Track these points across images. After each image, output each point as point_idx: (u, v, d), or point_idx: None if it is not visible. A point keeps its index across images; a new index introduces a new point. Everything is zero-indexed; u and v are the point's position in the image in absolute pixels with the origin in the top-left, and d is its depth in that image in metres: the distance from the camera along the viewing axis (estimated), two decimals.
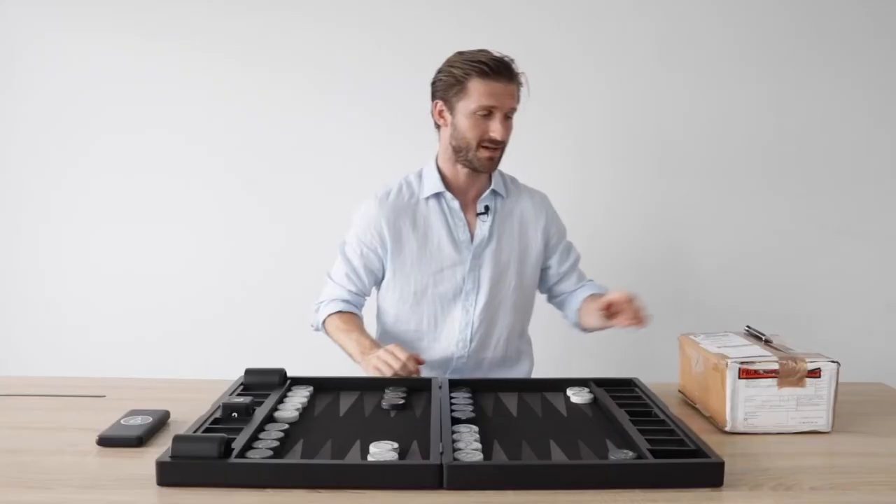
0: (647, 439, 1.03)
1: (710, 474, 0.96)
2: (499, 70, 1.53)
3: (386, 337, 1.71)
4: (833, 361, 1.20)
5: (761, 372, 1.18)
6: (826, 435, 1.19)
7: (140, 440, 1.09)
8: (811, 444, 1.14)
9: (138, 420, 1.15)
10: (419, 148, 2.32)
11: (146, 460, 1.00)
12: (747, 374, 1.18)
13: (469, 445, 1.03)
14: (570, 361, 2.21)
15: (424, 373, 1.60)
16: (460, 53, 1.57)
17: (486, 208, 1.66)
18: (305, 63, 2.30)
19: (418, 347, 1.65)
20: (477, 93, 1.53)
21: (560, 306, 1.79)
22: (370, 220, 1.64)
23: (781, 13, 2.29)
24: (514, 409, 1.26)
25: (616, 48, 2.30)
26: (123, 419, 1.15)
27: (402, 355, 1.40)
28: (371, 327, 1.75)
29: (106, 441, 1.08)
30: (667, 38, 2.30)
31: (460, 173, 1.63)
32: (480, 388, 1.36)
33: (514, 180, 1.75)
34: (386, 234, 1.63)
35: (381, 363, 1.41)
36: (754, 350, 1.24)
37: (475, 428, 1.11)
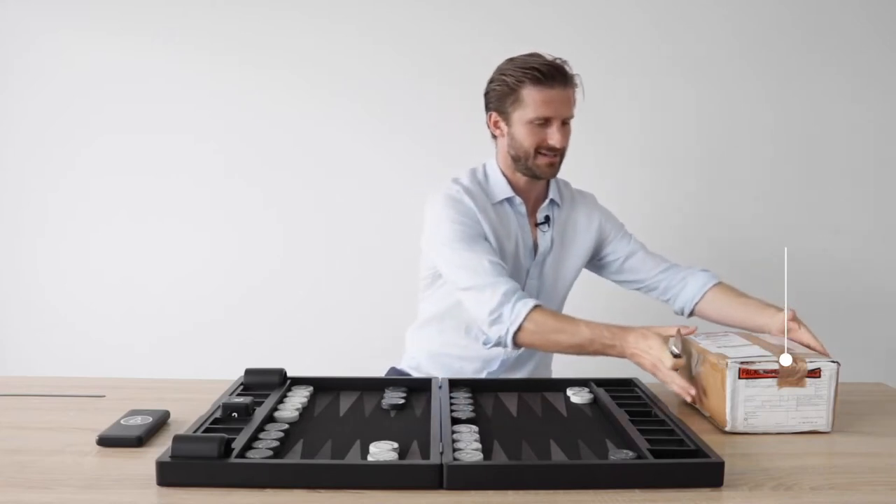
0: (647, 439, 1.03)
1: (710, 474, 0.95)
2: (553, 76, 1.48)
3: (431, 330, 1.66)
4: (833, 361, 1.19)
5: (761, 372, 1.17)
6: (826, 435, 1.18)
7: (140, 440, 1.08)
8: (811, 444, 1.14)
9: (138, 420, 1.14)
10: (423, 148, 2.34)
11: (146, 460, 1.00)
12: (747, 374, 1.17)
13: (469, 445, 1.03)
14: (570, 361, 2.21)
15: (473, 365, 1.61)
16: (511, 60, 1.53)
17: (546, 218, 1.63)
18: (307, 63, 2.30)
19: (469, 338, 1.60)
20: (533, 102, 1.49)
21: (659, 290, 1.70)
22: (461, 205, 1.52)
23: (788, 19, 2.29)
24: (514, 409, 1.26)
25: (619, 49, 2.30)
26: (123, 419, 1.15)
27: (675, 379, 1.27)
28: (408, 315, 1.72)
29: (106, 441, 1.08)
30: (669, 39, 2.30)
31: (521, 180, 1.60)
32: (480, 388, 1.36)
33: (566, 185, 1.72)
34: (481, 220, 1.53)
35: (672, 381, 1.28)
36: (754, 350, 1.24)
37: (475, 428, 1.11)
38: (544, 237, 1.63)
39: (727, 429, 1.18)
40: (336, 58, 2.29)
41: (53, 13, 2.30)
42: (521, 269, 1.61)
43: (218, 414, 1.12)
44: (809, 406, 1.18)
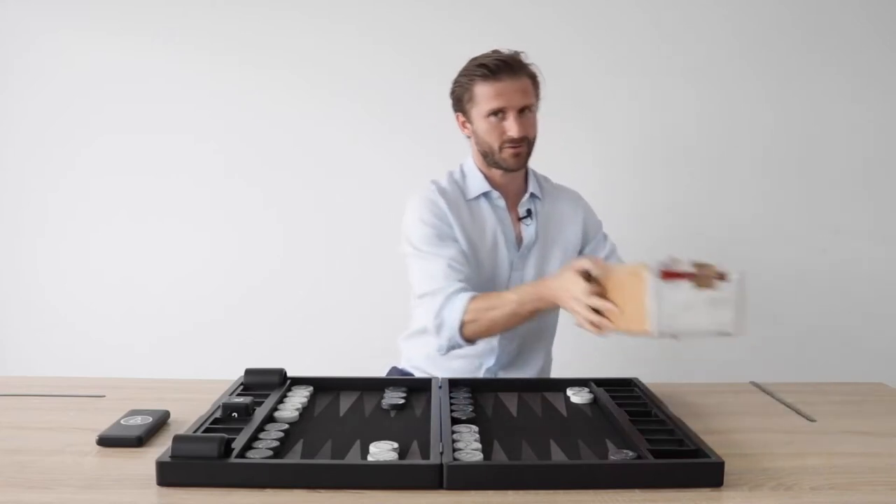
0: (647, 439, 1.03)
1: (710, 474, 0.95)
2: (500, 68, 1.51)
3: (425, 338, 1.64)
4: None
5: (681, 273, 1.17)
6: (826, 434, 1.19)
7: (140, 440, 1.08)
8: (811, 444, 1.14)
9: (138, 420, 1.14)
10: (423, 148, 2.34)
11: (146, 460, 1.00)
12: (668, 275, 1.17)
13: (469, 445, 1.03)
14: (570, 361, 2.21)
15: (464, 361, 1.60)
16: (471, 60, 1.57)
17: (528, 212, 1.65)
18: (307, 63, 2.30)
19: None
20: (484, 96, 1.52)
21: None
22: (436, 207, 1.56)
23: (787, 19, 2.29)
24: (514, 409, 1.26)
25: (619, 48, 2.30)
26: (123, 419, 1.15)
27: (596, 302, 1.25)
28: (408, 315, 1.72)
29: (106, 441, 1.08)
30: (669, 39, 2.30)
31: (496, 174, 1.62)
32: (480, 388, 1.36)
33: (547, 180, 1.74)
34: (453, 223, 1.57)
35: (579, 312, 1.28)
36: (669, 259, 1.22)
37: (475, 428, 1.11)
38: (528, 230, 1.64)
39: (651, 331, 1.15)
40: (336, 58, 2.29)
41: (53, 13, 2.30)
42: (504, 262, 1.62)
43: (218, 414, 1.12)
44: (720, 308, 1.18)
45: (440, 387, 1.31)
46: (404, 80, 2.29)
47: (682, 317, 1.16)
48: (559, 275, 1.36)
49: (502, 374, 1.65)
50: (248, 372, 1.34)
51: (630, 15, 2.29)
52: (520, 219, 1.65)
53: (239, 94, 2.31)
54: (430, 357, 1.65)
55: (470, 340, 1.48)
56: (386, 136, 2.31)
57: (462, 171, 1.66)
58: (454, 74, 1.59)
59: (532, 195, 1.66)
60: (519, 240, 1.64)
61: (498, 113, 1.53)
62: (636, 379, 1.37)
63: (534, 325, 1.61)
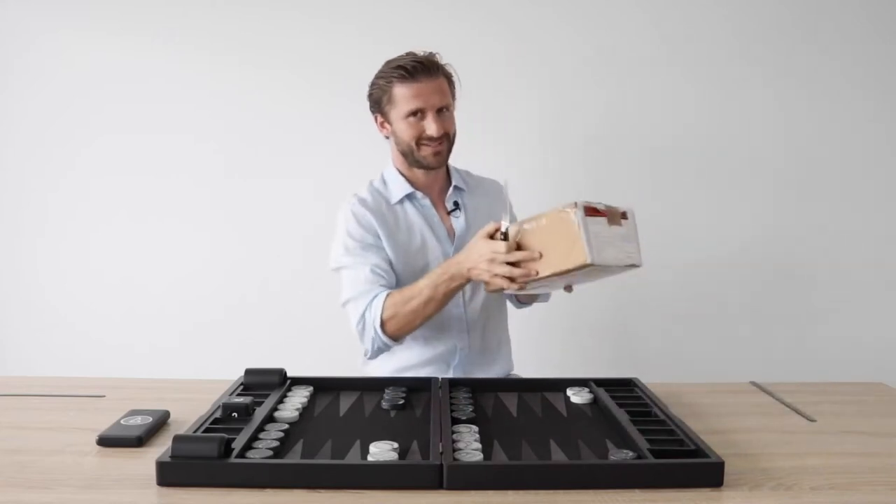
0: (647, 439, 1.03)
1: (710, 474, 0.96)
2: (417, 69, 1.54)
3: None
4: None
5: (600, 209, 1.25)
6: (826, 434, 1.19)
7: (140, 440, 1.09)
8: (811, 444, 1.14)
9: (138, 420, 1.15)
10: None
11: (146, 460, 1.00)
12: (590, 212, 1.24)
13: (469, 445, 1.03)
14: (570, 361, 2.21)
15: (433, 367, 1.62)
16: (387, 63, 1.60)
17: (456, 204, 1.68)
18: (307, 63, 2.30)
19: (423, 345, 1.63)
20: (402, 98, 1.55)
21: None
22: (361, 218, 1.60)
23: (783, 15, 2.29)
24: (514, 409, 1.26)
25: (619, 48, 2.30)
26: (123, 419, 1.15)
27: (517, 255, 1.29)
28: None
29: (106, 441, 1.08)
30: (669, 39, 2.30)
31: (418, 174, 1.65)
32: (480, 388, 1.36)
33: (468, 173, 1.77)
34: (379, 231, 1.60)
35: (500, 272, 1.31)
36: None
37: (475, 428, 1.11)
38: (458, 222, 1.66)
39: (590, 260, 1.21)
40: (336, 58, 2.29)
41: (53, 13, 2.30)
42: (440, 259, 1.62)
43: (218, 414, 1.12)
44: (628, 242, 1.28)
45: (440, 387, 1.31)
46: None
47: (606, 250, 1.24)
48: (466, 248, 1.40)
49: (476, 372, 1.65)
50: (248, 372, 1.34)
51: (630, 15, 2.29)
52: (448, 212, 1.67)
53: (239, 94, 2.31)
54: (398, 370, 1.65)
55: (394, 338, 1.50)
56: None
57: (383, 179, 1.69)
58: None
59: (456, 188, 1.69)
60: (451, 233, 1.66)
61: (417, 113, 1.55)
62: (636, 379, 1.37)
63: (483, 314, 1.65)
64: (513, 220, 1.75)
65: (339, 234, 1.62)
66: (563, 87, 2.29)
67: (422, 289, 1.46)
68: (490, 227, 1.36)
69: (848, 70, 2.31)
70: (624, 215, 1.30)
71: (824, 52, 2.30)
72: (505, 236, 1.32)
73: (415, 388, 1.34)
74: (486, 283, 1.38)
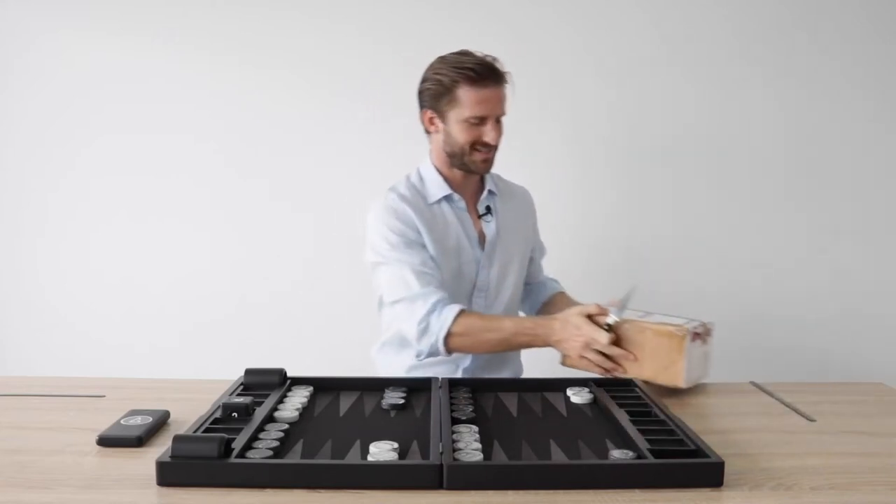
0: (647, 439, 1.03)
1: (710, 474, 0.96)
2: (486, 75, 1.51)
3: (397, 347, 1.67)
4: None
5: (699, 333, 1.37)
6: (826, 434, 1.19)
7: (140, 440, 1.09)
8: (811, 444, 1.14)
9: (138, 420, 1.15)
10: (423, 149, 2.33)
11: (146, 460, 1.00)
12: (694, 336, 1.35)
13: (469, 445, 1.03)
14: None
15: (443, 367, 1.62)
16: (443, 59, 1.57)
17: (488, 209, 1.67)
18: (307, 63, 2.30)
19: None
20: (468, 101, 1.52)
21: (525, 295, 1.81)
22: (401, 214, 1.57)
23: (783, 15, 2.29)
24: (514, 409, 1.26)
25: (619, 48, 2.30)
26: (123, 419, 1.15)
27: (615, 351, 1.35)
28: (371, 321, 1.73)
29: (106, 441, 1.08)
30: (669, 39, 2.30)
31: (457, 175, 1.64)
32: (480, 388, 1.36)
33: (500, 177, 1.77)
34: (419, 226, 1.57)
35: (593, 360, 1.37)
36: (676, 319, 1.39)
37: (475, 428, 1.11)
38: (489, 227, 1.66)
39: (684, 386, 1.34)
40: (336, 58, 2.29)
41: (53, 13, 2.30)
42: (471, 262, 1.62)
43: (218, 414, 1.12)
44: (706, 360, 1.42)
45: (440, 387, 1.30)
46: (405, 80, 2.28)
47: (693, 372, 1.36)
48: (565, 320, 1.39)
49: (485, 375, 1.66)
50: (248, 372, 1.34)
51: (630, 15, 2.29)
52: (480, 216, 1.67)
53: (239, 94, 2.31)
54: (409, 368, 1.65)
55: (450, 351, 1.50)
56: (386, 136, 2.31)
57: (420, 176, 1.66)
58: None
59: (490, 192, 1.68)
60: (482, 238, 1.65)
61: (478, 119, 1.53)
62: (636, 379, 1.37)
63: (503, 297, 1.66)
64: (536, 233, 1.80)
65: (377, 228, 1.57)
66: (563, 87, 2.29)
67: (503, 328, 1.46)
68: (592, 308, 1.38)
69: (848, 70, 2.31)
70: (710, 331, 1.41)
71: (824, 52, 2.30)
72: (610, 328, 1.35)
73: (415, 388, 1.34)
74: (568, 357, 1.41)
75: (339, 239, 2.34)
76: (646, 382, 1.36)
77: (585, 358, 1.37)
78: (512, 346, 1.50)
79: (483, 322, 1.48)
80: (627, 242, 2.36)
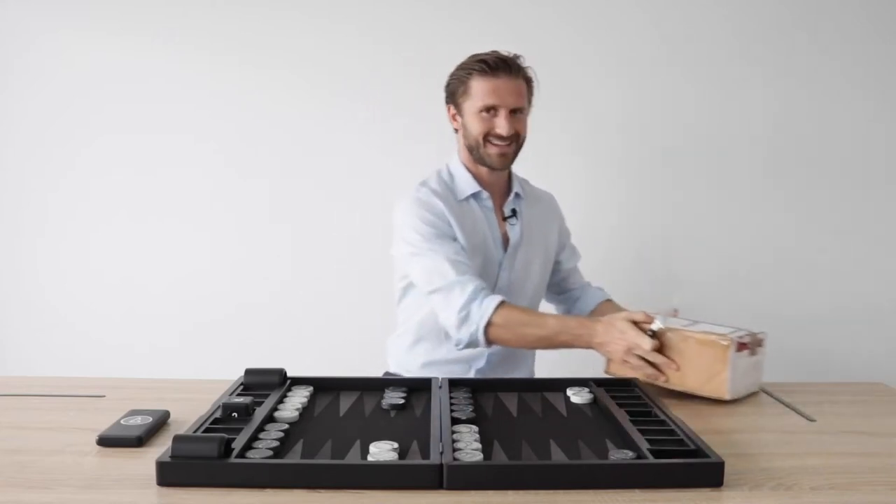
0: (647, 439, 1.03)
1: (710, 474, 0.95)
2: (498, 66, 1.53)
3: (413, 339, 1.68)
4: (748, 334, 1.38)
5: (746, 343, 1.34)
6: (826, 434, 1.19)
7: (140, 440, 1.08)
8: (811, 444, 1.14)
9: (138, 420, 1.14)
10: (424, 149, 2.33)
11: (146, 460, 1.00)
12: (740, 347, 1.32)
13: (469, 445, 1.03)
14: (570, 361, 2.20)
15: (457, 366, 1.62)
16: (471, 56, 1.58)
17: (514, 211, 1.67)
18: (307, 63, 2.30)
19: (451, 345, 1.61)
20: (479, 91, 1.54)
21: (566, 302, 1.81)
22: (433, 206, 1.57)
23: (783, 15, 2.29)
24: (514, 409, 1.26)
25: (619, 48, 2.30)
26: (123, 419, 1.15)
27: (657, 358, 1.34)
28: (389, 311, 1.73)
29: (106, 441, 1.08)
30: (669, 39, 2.30)
31: (484, 172, 1.64)
32: (480, 388, 1.36)
33: (526, 181, 1.77)
34: (450, 219, 1.57)
35: (635, 365, 1.36)
36: (724, 329, 1.37)
37: (475, 428, 1.11)
38: (513, 230, 1.66)
39: (728, 398, 1.31)
40: (336, 58, 2.29)
41: (53, 13, 2.30)
42: (493, 262, 1.63)
43: (218, 414, 1.12)
44: (756, 370, 1.39)
45: (440, 387, 1.30)
46: (405, 80, 2.29)
47: (739, 384, 1.34)
48: (611, 323, 1.38)
49: (509, 350, 1.65)
50: (248, 372, 1.33)
51: (630, 15, 2.29)
52: (505, 218, 1.66)
53: (239, 94, 2.31)
54: (423, 364, 1.65)
55: (489, 343, 1.47)
56: (386, 136, 2.31)
57: (449, 172, 1.66)
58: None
59: (517, 195, 1.68)
60: (505, 240, 1.65)
61: (490, 110, 1.54)
62: (636, 379, 1.37)
63: (523, 300, 1.65)
64: (566, 238, 1.81)
65: (408, 221, 1.56)
66: (563, 87, 2.29)
67: (546, 325, 1.45)
68: (637, 315, 1.37)
69: (848, 70, 2.31)
70: (761, 342, 1.39)
71: (824, 52, 2.30)
72: (654, 334, 1.35)
73: (415, 388, 1.34)
74: (610, 362, 1.41)
75: (339, 239, 2.35)
76: (689, 394, 1.34)
77: (627, 363, 1.36)
78: (553, 345, 1.46)
79: (525, 316, 1.47)
80: (627, 242, 2.36)
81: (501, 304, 1.45)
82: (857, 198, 2.35)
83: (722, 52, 2.30)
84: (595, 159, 2.33)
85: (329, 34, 2.29)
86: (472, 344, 1.48)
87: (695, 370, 1.33)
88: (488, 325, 1.45)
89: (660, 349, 1.35)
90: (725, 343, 1.30)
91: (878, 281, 2.37)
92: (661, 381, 1.36)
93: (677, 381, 1.35)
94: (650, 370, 1.35)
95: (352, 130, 2.32)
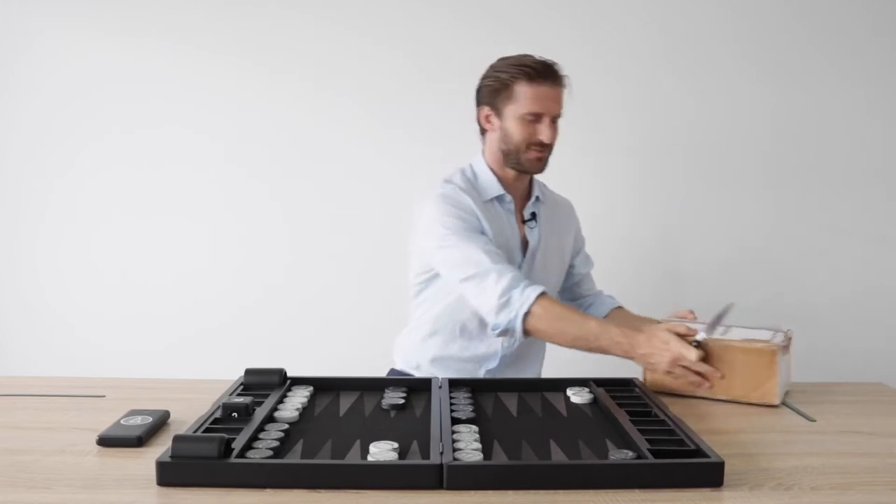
0: (647, 439, 1.03)
1: (710, 474, 0.95)
2: (545, 73, 1.53)
3: (426, 335, 1.66)
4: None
5: (786, 346, 1.37)
6: (826, 434, 1.19)
7: (140, 440, 1.09)
8: (811, 444, 1.14)
9: (138, 420, 1.14)
10: (426, 149, 2.34)
11: (146, 460, 1.00)
12: (783, 350, 1.35)
13: (469, 445, 1.03)
14: (570, 361, 2.20)
15: (468, 365, 1.63)
16: (504, 58, 1.58)
17: (533, 215, 1.66)
18: (308, 63, 2.30)
19: (468, 340, 1.62)
20: (525, 97, 1.53)
21: (579, 308, 1.81)
22: (461, 201, 1.55)
23: (784, 15, 2.29)
24: (514, 409, 1.26)
25: (619, 48, 2.30)
26: (123, 419, 1.15)
27: (703, 368, 1.31)
28: (400, 308, 1.73)
29: (106, 441, 1.08)
30: (669, 39, 2.30)
31: (510, 175, 1.63)
32: (480, 388, 1.36)
33: (545, 186, 1.76)
34: (479, 214, 1.56)
35: (678, 374, 1.33)
36: (761, 333, 1.39)
37: (475, 428, 1.11)
38: (532, 233, 1.65)
39: (777, 403, 1.33)
40: (336, 58, 2.29)
41: (53, 13, 2.30)
42: (513, 265, 1.61)
43: (218, 414, 1.12)
44: (790, 370, 1.40)
45: (440, 387, 1.31)
46: (406, 80, 2.29)
47: (784, 384, 1.36)
48: (653, 334, 1.35)
49: (520, 351, 1.65)
50: (248, 372, 1.34)
51: (630, 15, 2.29)
52: (524, 221, 1.66)
53: (239, 94, 2.31)
54: (433, 359, 1.65)
55: (526, 332, 1.44)
56: (388, 135, 2.31)
57: (473, 172, 1.65)
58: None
59: (537, 198, 1.68)
60: (524, 243, 1.65)
61: (534, 116, 1.54)
62: (636, 379, 1.37)
63: None
64: (581, 245, 1.81)
65: (436, 215, 1.53)
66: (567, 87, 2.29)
67: (587, 326, 1.40)
68: (681, 327, 1.35)
69: (848, 70, 2.31)
70: (791, 339, 1.41)
71: (824, 52, 2.30)
72: (699, 345, 1.34)
73: (415, 388, 1.34)
74: (653, 371, 1.39)
75: (340, 239, 2.35)
76: (732, 401, 1.34)
77: (671, 373, 1.34)
78: (589, 347, 1.41)
79: (566, 312, 1.44)
80: (626, 242, 2.36)
81: (542, 294, 1.42)
82: (857, 197, 2.35)
83: (722, 52, 2.30)
84: (593, 158, 2.33)
85: (329, 34, 2.29)
86: (508, 331, 1.45)
87: (741, 378, 1.33)
88: (528, 313, 1.41)
89: (704, 360, 1.33)
90: (772, 349, 1.32)
91: (878, 281, 2.37)
92: (703, 390, 1.34)
93: (723, 391, 1.34)
94: (694, 378, 1.32)
95: (352, 130, 2.32)
